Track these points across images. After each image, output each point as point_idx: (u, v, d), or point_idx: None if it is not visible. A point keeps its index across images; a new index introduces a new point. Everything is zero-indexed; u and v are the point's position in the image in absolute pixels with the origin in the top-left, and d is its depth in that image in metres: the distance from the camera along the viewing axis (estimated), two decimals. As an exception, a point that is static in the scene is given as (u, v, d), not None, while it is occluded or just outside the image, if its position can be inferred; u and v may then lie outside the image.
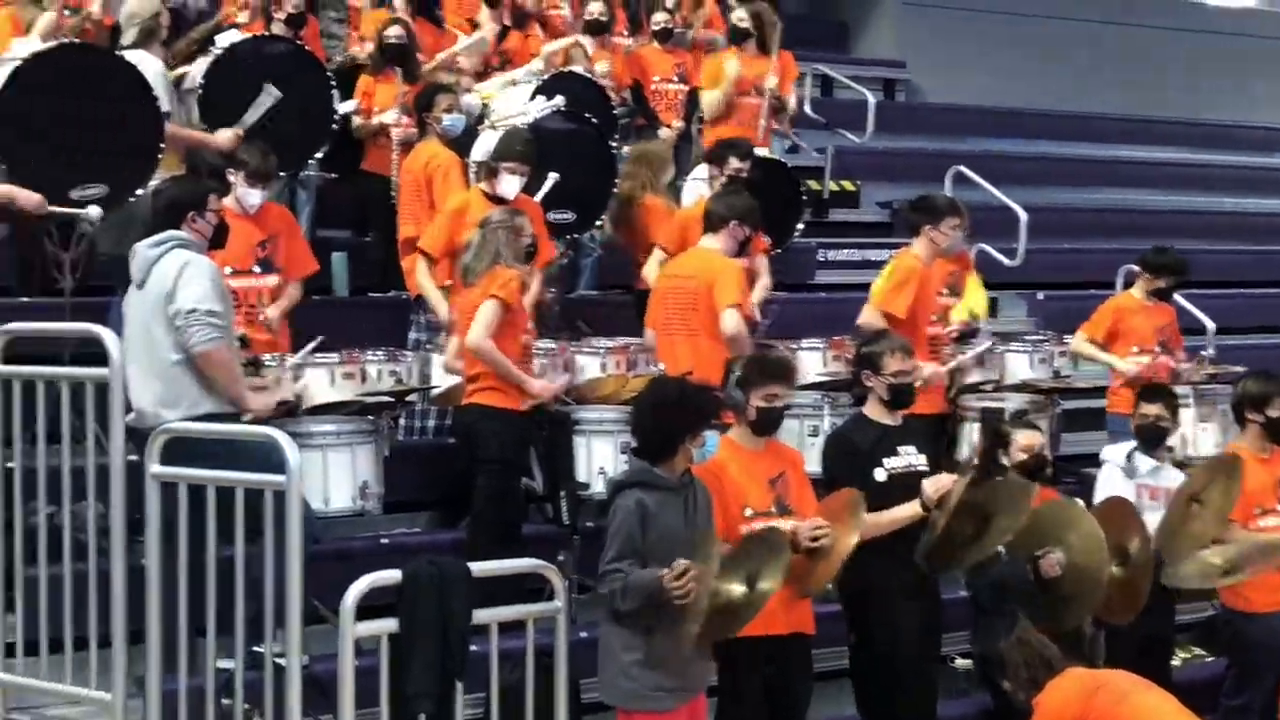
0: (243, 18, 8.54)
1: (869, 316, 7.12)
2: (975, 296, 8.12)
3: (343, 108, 8.34)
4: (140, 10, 7.37)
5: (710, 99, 9.49)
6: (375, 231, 8.69)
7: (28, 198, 6.38)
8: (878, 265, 8.09)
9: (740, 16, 9.67)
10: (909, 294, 7.08)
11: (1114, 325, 8.09)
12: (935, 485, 5.41)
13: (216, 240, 5.73)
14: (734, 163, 7.87)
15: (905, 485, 5.52)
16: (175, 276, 5.36)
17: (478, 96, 8.76)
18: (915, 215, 7.51)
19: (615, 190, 8.43)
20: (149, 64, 7.01)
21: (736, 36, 9.64)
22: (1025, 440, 6.16)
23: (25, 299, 7.34)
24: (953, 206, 7.57)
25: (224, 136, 7.22)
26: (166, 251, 5.44)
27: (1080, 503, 6.28)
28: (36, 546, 5.24)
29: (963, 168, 11.26)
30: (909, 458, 5.66)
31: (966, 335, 7.87)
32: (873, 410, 5.75)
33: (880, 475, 5.56)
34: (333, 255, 8.58)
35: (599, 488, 6.38)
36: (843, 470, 5.60)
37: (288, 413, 6.12)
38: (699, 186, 8.36)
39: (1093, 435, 8.24)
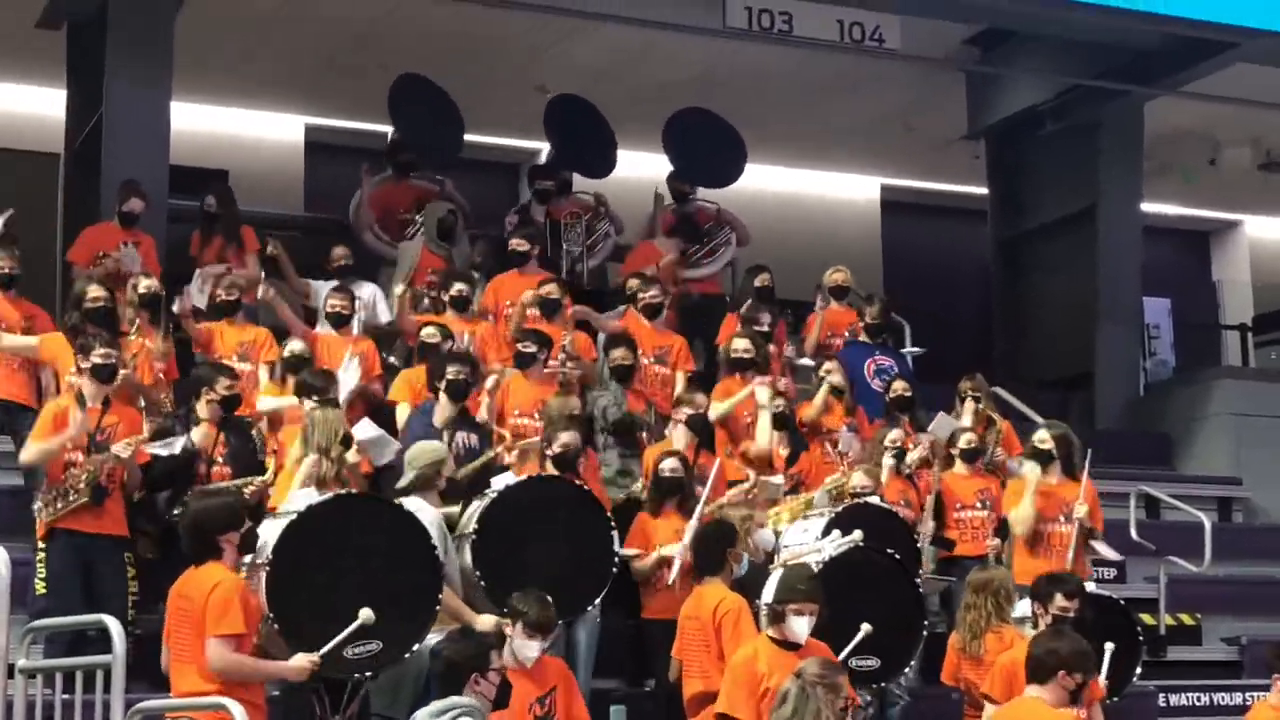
0: (510, 458, 8.93)
1: None
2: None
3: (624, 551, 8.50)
4: (419, 457, 7.74)
5: (1019, 514, 9.28)
6: (657, 682, 8.70)
7: (297, 671, 6.52)
8: (1227, 711, 7.78)
9: (1042, 438, 9.53)
10: None
11: None
12: None
13: (500, 700, 5.87)
14: (1060, 601, 7.72)
15: None
16: None
17: (771, 530, 8.88)
18: None
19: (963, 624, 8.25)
20: (426, 513, 7.30)
21: (1038, 459, 9.51)
22: None
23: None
24: None
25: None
26: None
27: None
28: None
29: (1320, 601, 10.91)
30: None
31: None
32: None
33: None
34: (611, 709, 8.60)
35: None
36: None
37: None
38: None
39: None
